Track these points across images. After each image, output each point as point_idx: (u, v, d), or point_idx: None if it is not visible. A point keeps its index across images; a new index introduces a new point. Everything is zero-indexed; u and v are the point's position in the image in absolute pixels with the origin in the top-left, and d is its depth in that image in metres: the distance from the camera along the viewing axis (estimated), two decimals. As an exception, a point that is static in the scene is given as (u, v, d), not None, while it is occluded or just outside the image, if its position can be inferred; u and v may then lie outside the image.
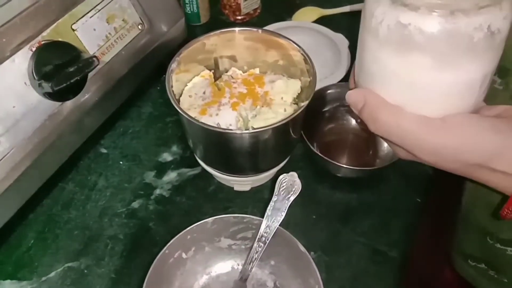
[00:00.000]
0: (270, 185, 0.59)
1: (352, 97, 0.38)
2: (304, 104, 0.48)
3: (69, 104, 0.53)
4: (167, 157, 0.64)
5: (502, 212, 0.36)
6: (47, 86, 0.46)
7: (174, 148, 0.64)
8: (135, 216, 0.58)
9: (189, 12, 0.81)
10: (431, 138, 0.34)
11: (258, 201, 0.59)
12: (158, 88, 0.72)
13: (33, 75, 0.47)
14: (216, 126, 0.49)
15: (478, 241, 0.58)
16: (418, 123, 0.34)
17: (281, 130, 0.48)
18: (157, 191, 0.60)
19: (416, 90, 0.34)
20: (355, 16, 0.78)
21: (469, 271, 0.61)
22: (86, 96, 0.55)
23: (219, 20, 0.85)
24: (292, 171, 0.51)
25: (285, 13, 0.85)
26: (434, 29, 0.30)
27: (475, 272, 0.60)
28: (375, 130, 0.36)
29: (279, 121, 0.46)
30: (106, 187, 0.60)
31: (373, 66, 0.36)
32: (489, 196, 0.54)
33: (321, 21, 0.82)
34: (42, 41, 0.49)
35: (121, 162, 0.63)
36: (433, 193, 0.61)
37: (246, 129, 0.47)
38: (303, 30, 0.79)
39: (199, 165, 0.59)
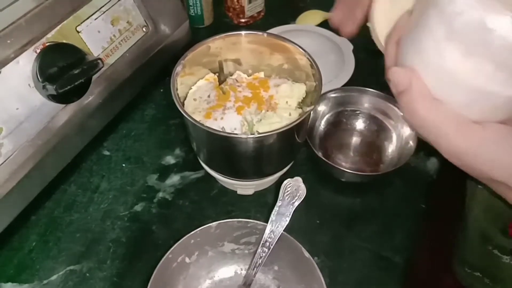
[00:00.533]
0: (274, 189, 0.59)
1: (397, 76, 0.34)
2: (309, 108, 0.48)
3: (72, 106, 0.52)
4: (170, 160, 0.63)
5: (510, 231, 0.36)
6: (51, 88, 0.46)
7: (177, 151, 0.64)
8: (138, 219, 0.57)
9: (193, 14, 0.81)
10: (466, 144, 0.32)
11: (261, 205, 0.58)
12: (162, 90, 0.72)
13: (37, 77, 0.46)
14: (221, 130, 0.48)
15: (476, 247, 0.57)
16: (457, 124, 0.32)
17: (286, 135, 0.48)
18: (160, 194, 0.60)
19: (469, 95, 0.31)
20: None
21: (467, 278, 0.61)
22: (90, 98, 0.55)
23: (222, 22, 0.85)
24: (296, 175, 0.50)
25: (289, 17, 0.85)
26: None
27: (472, 279, 0.60)
28: (409, 119, 0.34)
29: (285, 126, 0.46)
30: (109, 189, 0.60)
31: (429, 51, 0.32)
32: (489, 200, 0.54)
33: (325, 24, 0.82)
34: (47, 43, 0.48)
35: (123, 165, 0.63)
36: (437, 199, 0.61)
37: (251, 134, 0.46)
38: (307, 33, 0.79)
39: (202, 168, 0.58)
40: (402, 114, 0.34)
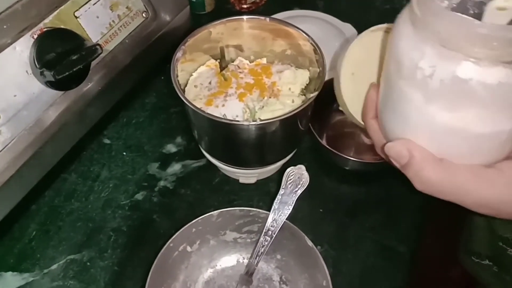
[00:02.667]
0: (276, 178, 0.58)
1: (395, 150, 0.33)
2: (313, 95, 0.47)
3: (71, 93, 0.51)
4: (171, 148, 0.62)
5: None
6: (49, 75, 0.45)
7: (179, 139, 0.63)
8: (139, 208, 0.57)
9: (194, 0, 0.80)
10: (491, 193, 0.31)
11: (263, 194, 0.58)
12: (162, 78, 0.71)
13: (34, 63, 0.45)
14: (223, 117, 0.47)
15: (483, 237, 0.57)
16: (474, 177, 0.31)
17: (289, 122, 0.47)
18: (161, 183, 0.59)
19: (472, 144, 0.31)
20: (364, 6, 0.76)
21: (474, 266, 0.60)
22: (89, 85, 0.54)
23: (224, 9, 0.84)
24: (299, 163, 0.49)
25: (292, 2, 0.84)
26: (502, 82, 0.26)
27: (479, 268, 0.59)
28: (423, 189, 0.33)
29: (287, 113, 0.44)
30: (109, 178, 0.59)
31: (414, 118, 0.32)
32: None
33: (329, 10, 0.80)
34: (44, 28, 0.47)
35: (124, 153, 0.62)
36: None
37: (253, 121, 0.45)
38: (310, 19, 0.78)
39: (204, 156, 0.57)
40: (416, 187, 0.34)
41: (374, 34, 0.40)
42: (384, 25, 0.39)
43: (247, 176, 0.57)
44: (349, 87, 0.43)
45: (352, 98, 0.43)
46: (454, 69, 0.27)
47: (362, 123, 0.41)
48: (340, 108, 0.45)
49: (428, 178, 0.31)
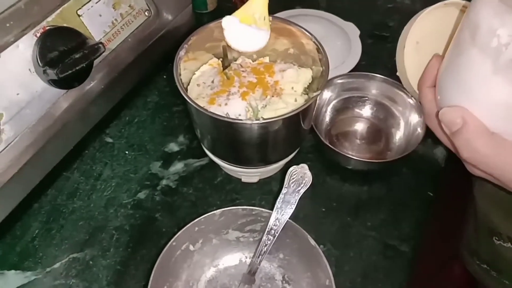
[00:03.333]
0: (279, 177, 0.58)
1: (449, 116, 0.33)
2: (316, 94, 0.47)
3: (74, 92, 0.51)
4: (173, 147, 0.62)
5: None
6: (52, 73, 0.45)
7: (181, 138, 0.63)
8: (141, 207, 0.57)
9: (196, -1, 0.80)
10: None
11: (266, 193, 0.58)
12: (165, 76, 0.71)
13: (37, 61, 0.45)
14: (226, 116, 0.47)
15: (484, 238, 0.57)
16: None
17: (292, 121, 0.47)
18: (164, 182, 0.59)
19: None
20: (366, 5, 0.76)
21: (475, 267, 0.60)
22: (92, 84, 0.54)
23: (226, 7, 0.84)
24: (302, 163, 0.49)
25: (294, 1, 0.83)
26: None
27: (480, 270, 0.59)
28: (468, 158, 0.33)
29: (290, 112, 0.44)
30: (112, 177, 0.59)
31: (477, 87, 0.32)
32: (497, 193, 0.53)
33: (331, 9, 0.80)
34: (47, 26, 0.47)
35: (126, 152, 0.62)
36: (445, 187, 0.60)
37: (256, 120, 0.45)
38: (312, 18, 0.78)
39: (206, 155, 0.57)
40: (459, 154, 0.34)
41: (447, 8, 0.40)
42: (459, 1, 0.40)
43: (250, 175, 0.57)
44: (411, 55, 0.43)
45: (412, 66, 0.43)
46: None
47: (417, 91, 0.42)
48: (398, 74, 0.46)
49: (477, 148, 0.32)
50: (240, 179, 0.58)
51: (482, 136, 0.32)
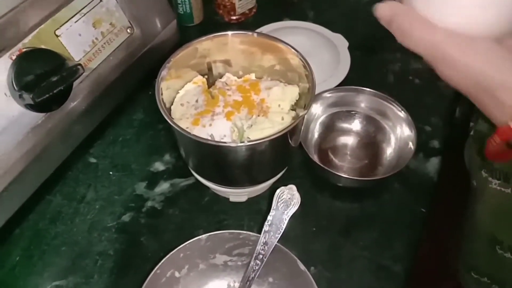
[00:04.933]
0: (268, 196, 0.57)
1: (380, 9, 0.37)
2: (302, 113, 0.45)
3: (54, 114, 0.50)
4: (159, 166, 0.61)
5: (487, 147, 0.36)
6: (28, 98, 0.43)
7: (167, 157, 0.62)
8: (126, 230, 0.55)
9: (182, 12, 0.78)
10: (459, 55, 0.34)
11: (255, 213, 0.56)
12: (150, 93, 0.69)
13: (13, 85, 0.44)
14: (210, 138, 0.46)
15: (483, 251, 0.55)
16: (449, 38, 0.34)
17: (279, 141, 0.45)
18: (149, 203, 0.57)
19: (464, 12, 0.33)
20: (355, 16, 0.75)
21: (473, 284, 0.59)
22: (73, 104, 0.52)
23: (213, 20, 0.82)
24: (291, 180, 0.48)
25: (282, 13, 0.82)
26: None
27: (478, 285, 0.58)
28: (403, 41, 0.36)
29: (277, 132, 0.43)
30: (95, 199, 0.57)
31: None
32: (499, 201, 0.51)
33: (319, 21, 0.79)
34: (23, 48, 0.46)
35: (111, 173, 0.60)
36: (438, 203, 0.59)
37: (241, 141, 0.44)
38: (300, 30, 0.76)
39: (192, 175, 0.56)
40: (398, 40, 0.37)
41: None
42: None
43: (238, 195, 0.55)
44: None
45: None
46: None
47: None
48: None
49: (408, 30, 0.35)
50: (228, 199, 0.57)
51: (413, 20, 0.35)
